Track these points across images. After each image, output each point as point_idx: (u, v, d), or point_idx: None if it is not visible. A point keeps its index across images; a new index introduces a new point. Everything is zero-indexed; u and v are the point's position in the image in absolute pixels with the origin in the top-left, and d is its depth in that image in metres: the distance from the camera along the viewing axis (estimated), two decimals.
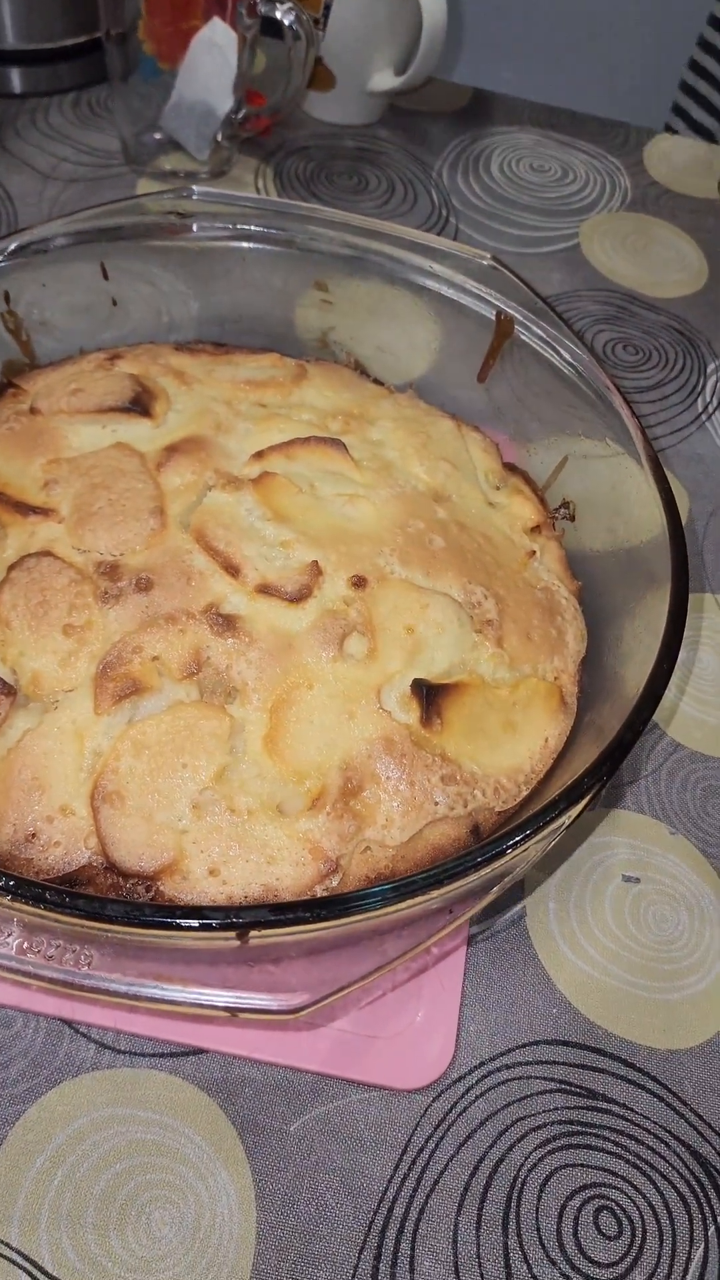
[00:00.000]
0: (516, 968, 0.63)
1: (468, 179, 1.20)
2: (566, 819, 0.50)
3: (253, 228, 0.76)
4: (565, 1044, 0.60)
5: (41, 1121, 0.54)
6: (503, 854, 0.47)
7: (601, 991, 0.62)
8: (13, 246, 0.69)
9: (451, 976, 0.60)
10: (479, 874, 0.48)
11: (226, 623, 0.57)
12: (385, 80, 1.17)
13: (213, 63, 0.99)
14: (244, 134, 1.12)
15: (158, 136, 1.08)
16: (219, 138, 1.07)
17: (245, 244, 0.77)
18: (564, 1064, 0.59)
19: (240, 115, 1.07)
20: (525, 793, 0.59)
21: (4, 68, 1.17)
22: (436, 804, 0.56)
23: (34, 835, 0.53)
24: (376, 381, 0.78)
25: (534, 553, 0.67)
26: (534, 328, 0.72)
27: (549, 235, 1.15)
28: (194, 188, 0.75)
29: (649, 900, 0.67)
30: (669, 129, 1.91)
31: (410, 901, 0.46)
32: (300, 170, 1.16)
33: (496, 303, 0.73)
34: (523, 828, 0.49)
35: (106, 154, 1.13)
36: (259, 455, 0.65)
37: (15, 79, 1.18)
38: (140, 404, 0.67)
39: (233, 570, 0.59)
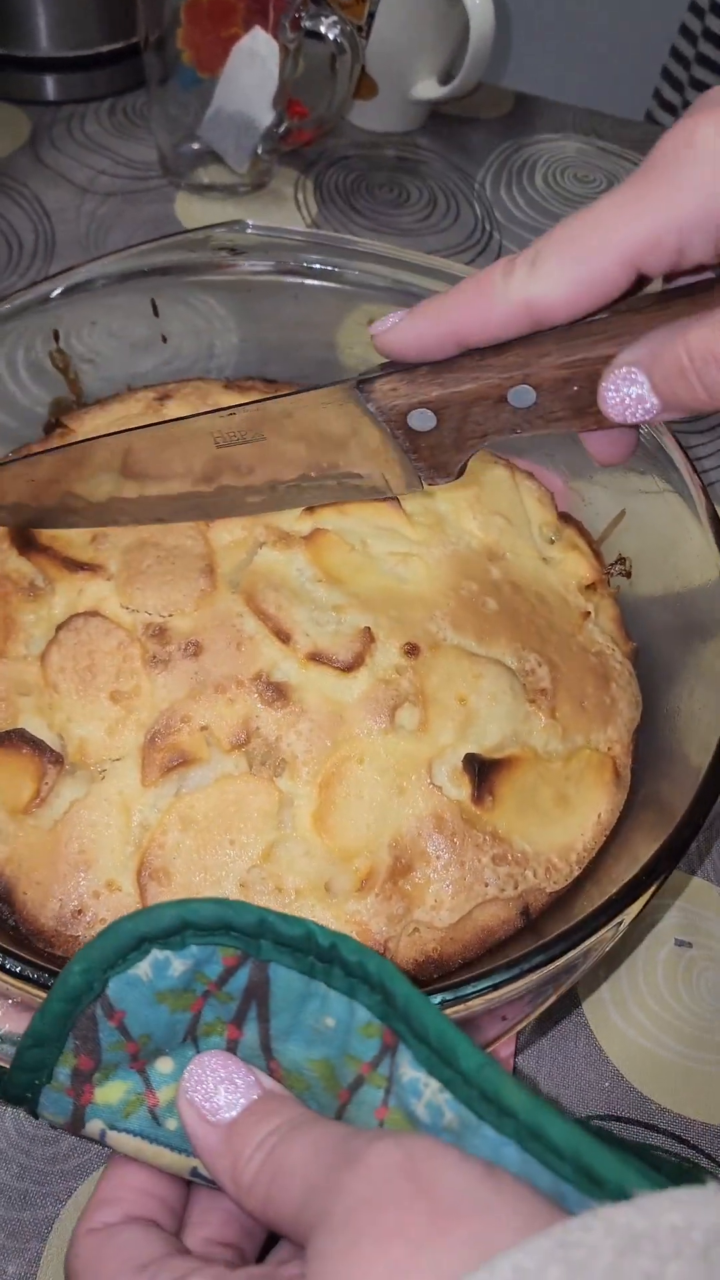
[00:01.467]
0: (567, 1037, 0.61)
1: (511, 191, 1.17)
2: (629, 915, 0.49)
3: (306, 263, 0.74)
4: (617, 1119, 0.59)
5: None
6: (562, 956, 0.46)
7: (654, 1064, 0.61)
8: (62, 288, 0.68)
9: (500, 1048, 0.59)
10: (537, 974, 0.46)
11: (277, 692, 0.56)
12: (429, 89, 1.15)
13: (254, 74, 0.97)
14: (285, 147, 1.09)
15: (196, 147, 1.06)
16: (259, 150, 1.04)
17: (298, 279, 0.75)
18: (617, 1139, 0.58)
19: (282, 129, 1.05)
20: (577, 872, 0.57)
21: (38, 75, 1.15)
22: (487, 885, 0.55)
23: (80, 912, 0.52)
24: None
25: (589, 613, 0.66)
26: None
27: None
28: (248, 221, 0.73)
29: (701, 967, 0.65)
30: None
31: (462, 1007, 0.46)
32: (340, 182, 1.14)
33: None
34: (582, 927, 0.48)
35: (144, 165, 1.11)
36: (310, 510, 0.63)
37: (50, 86, 1.16)
38: None
39: (283, 636, 0.57)
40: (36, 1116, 0.41)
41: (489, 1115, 0.35)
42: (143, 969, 0.39)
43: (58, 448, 0.57)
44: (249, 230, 0.73)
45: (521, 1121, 0.34)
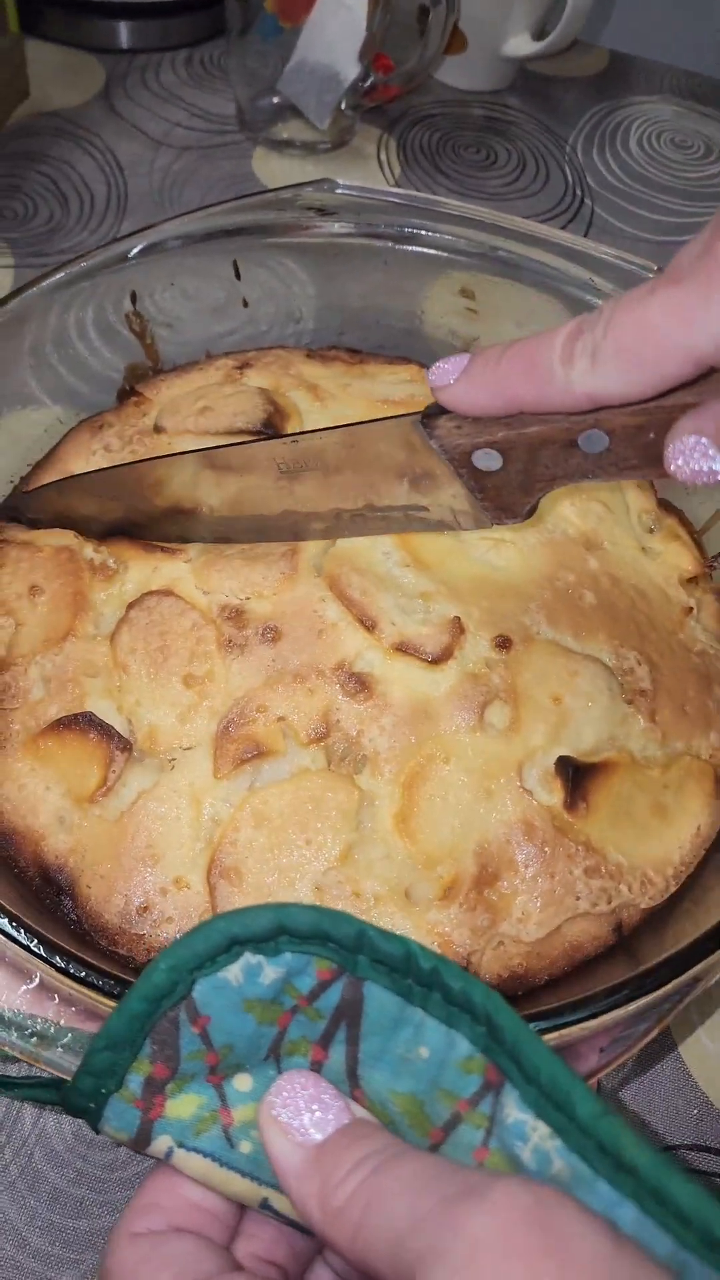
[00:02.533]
0: (652, 1059, 0.58)
1: (604, 155, 1.11)
2: None
3: (396, 227, 0.70)
4: (706, 1149, 0.55)
5: None
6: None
7: None
8: (140, 246, 0.64)
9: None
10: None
11: (359, 683, 0.53)
12: (522, 45, 1.08)
13: (340, 24, 0.91)
14: (369, 103, 1.04)
15: (275, 101, 1.01)
16: (342, 106, 0.99)
17: (387, 243, 0.71)
18: (705, 1173, 0.55)
19: (367, 83, 0.99)
20: (674, 888, 0.53)
21: (112, 21, 1.10)
22: (578, 899, 0.51)
23: (146, 909, 0.49)
24: None
25: (691, 609, 0.61)
26: None
27: (691, 221, 1.05)
28: (337, 180, 0.69)
29: None
30: None
31: (556, 1036, 0.42)
32: (425, 142, 1.09)
33: None
34: (692, 951, 0.44)
35: (221, 119, 1.07)
36: None
37: (123, 33, 1.11)
38: (272, 426, 0.62)
39: (368, 624, 0.54)
40: (97, 1130, 0.38)
41: (605, 1169, 0.31)
42: (233, 973, 0.36)
43: (123, 465, 0.56)
44: (339, 190, 0.69)
45: (643, 1180, 0.30)
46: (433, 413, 0.46)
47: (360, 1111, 0.36)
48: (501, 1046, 0.34)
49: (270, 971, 0.36)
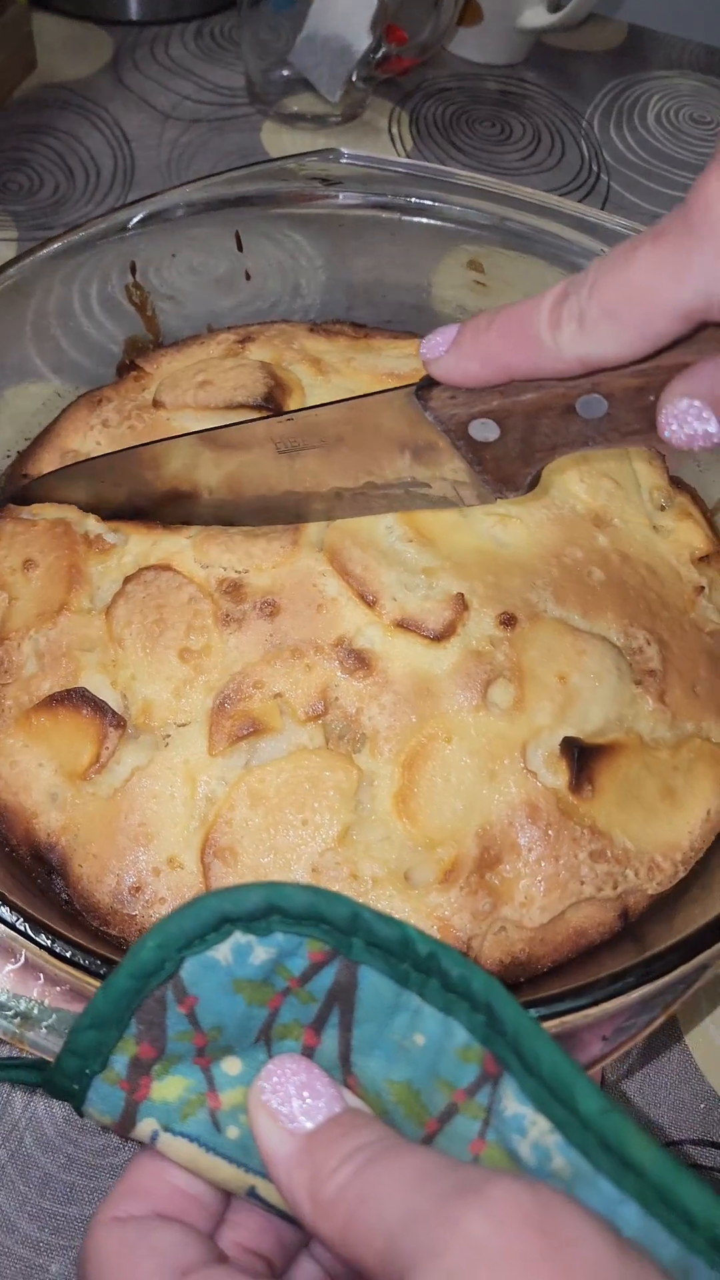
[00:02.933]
0: (659, 1052, 0.56)
1: (621, 130, 1.09)
2: None
3: (404, 198, 0.69)
4: (713, 1145, 0.54)
5: None
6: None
7: None
8: (140, 215, 0.63)
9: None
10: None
11: (359, 660, 0.51)
12: (537, 17, 1.06)
13: None
14: (381, 75, 1.02)
15: (286, 73, 0.99)
16: (354, 78, 0.97)
17: (395, 215, 0.69)
18: (711, 1168, 0.53)
19: (380, 55, 0.98)
20: (683, 873, 0.52)
21: None
22: (583, 883, 0.49)
23: (138, 889, 0.48)
24: None
25: (703, 588, 0.60)
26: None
27: None
28: (343, 150, 0.67)
29: None
30: None
31: (556, 1023, 0.40)
32: (439, 115, 1.07)
33: None
34: (699, 938, 0.42)
35: (230, 91, 1.05)
36: None
37: (133, 4, 1.09)
38: (273, 400, 0.60)
39: (369, 599, 0.52)
40: (81, 1114, 0.37)
41: (608, 1167, 0.30)
42: (222, 952, 0.35)
43: (123, 450, 0.56)
44: (344, 160, 0.67)
45: (649, 1180, 0.29)
46: (427, 385, 0.45)
47: (353, 1100, 0.35)
48: (501, 1036, 0.33)
49: (261, 952, 0.35)
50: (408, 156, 1.02)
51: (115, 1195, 0.36)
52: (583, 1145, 0.30)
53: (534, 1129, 0.32)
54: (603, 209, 0.98)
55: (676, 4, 1.23)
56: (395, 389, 0.46)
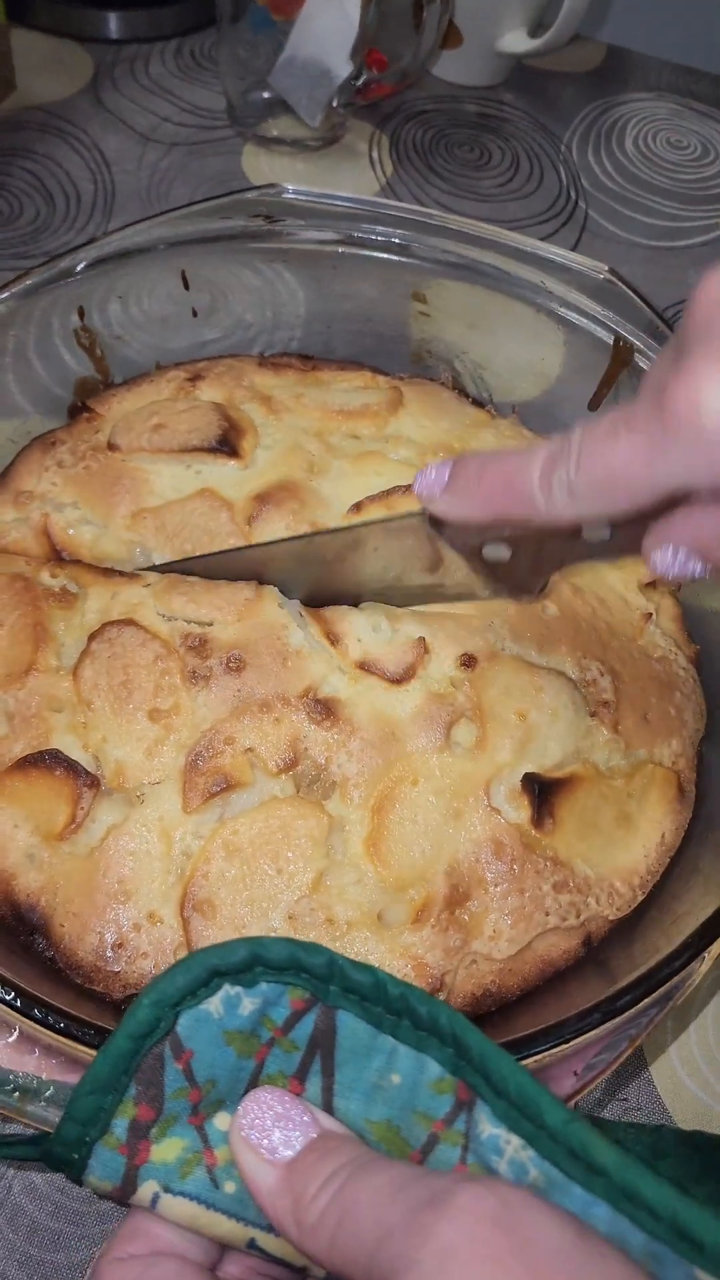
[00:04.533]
0: (626, 1088, 0.58)
1: (599, 154, 1.09)
2: (714, 952, 0.46)
3: (345, 231, 0.69)
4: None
5: None
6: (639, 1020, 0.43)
7: None
8: (85, 261, 0.63)
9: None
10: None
11: (325, 709, 0.53)
12: (517, 41, 1.06)
13: (332, 19, 0.89)
14: (362, 101, 1.02)
15: (266, 95, 0.98)
16: (333, 102, 0.96)
17: (340, 248, 0.70)
18: None
19: (360, 81, 0.97)
20: (641, 897, 0.54)
21: (101, 11, 1.08)
22: (548, 914, 0.52)
23: (120, 945, 0.49)
24: (476, 403, 0.72)
25: (650, 615, 0.62)
26: (655, 356, 0.65)
27: (685, 226, 1.04)
28: (287, 185, 0.68)
29: None
30: None
31: (532, 1061, 0.43)
32: (418, 139, 1.06)
33: (616, 328, 0.66)
34: (661, 969, 0.45)
35: (210, 113, 1.04)
36: (356, 507, 0.59)
37: (113, 23, 1.09)
38: (228, 443, 0.61)
39: (333, 638, 0.54)
40: (80, 1181, 0.38)
41: (577, 1173, 0.32)
42: (214, 1005, 0.37)
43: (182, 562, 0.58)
44: (286, 195, 0.68)
45: (613, 1180, 0.32)
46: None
47: (330, 1123, 0.37)
48: (470, 1064, 0.35)
49: (248, 1003, 0.37)
50: (387, 182, 1.01)
51: (119, 1237, 0.38)
52: (553, 1156, 0.33)
53: (509, 1147, 0.34)
54: (579, 238, 1.00)
55: (655, 25, 1.23)
56: (410, 515, 0.49)
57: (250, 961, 0.37)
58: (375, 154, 1.04)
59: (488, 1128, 0.35)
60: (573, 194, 1.05)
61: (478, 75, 1.13)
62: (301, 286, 0.72)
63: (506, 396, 0.73)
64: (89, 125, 1.01)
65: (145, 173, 0.98)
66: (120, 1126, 0.37)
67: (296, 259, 0.70)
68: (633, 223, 1.04)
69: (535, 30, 1.05)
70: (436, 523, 0.48)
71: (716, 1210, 0.30)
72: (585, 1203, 0.32)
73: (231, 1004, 0.37)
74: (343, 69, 0.91)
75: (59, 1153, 0.37)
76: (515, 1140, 0.34)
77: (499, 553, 0.47)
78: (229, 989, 0.37)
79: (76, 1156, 0.37)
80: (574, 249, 0.69)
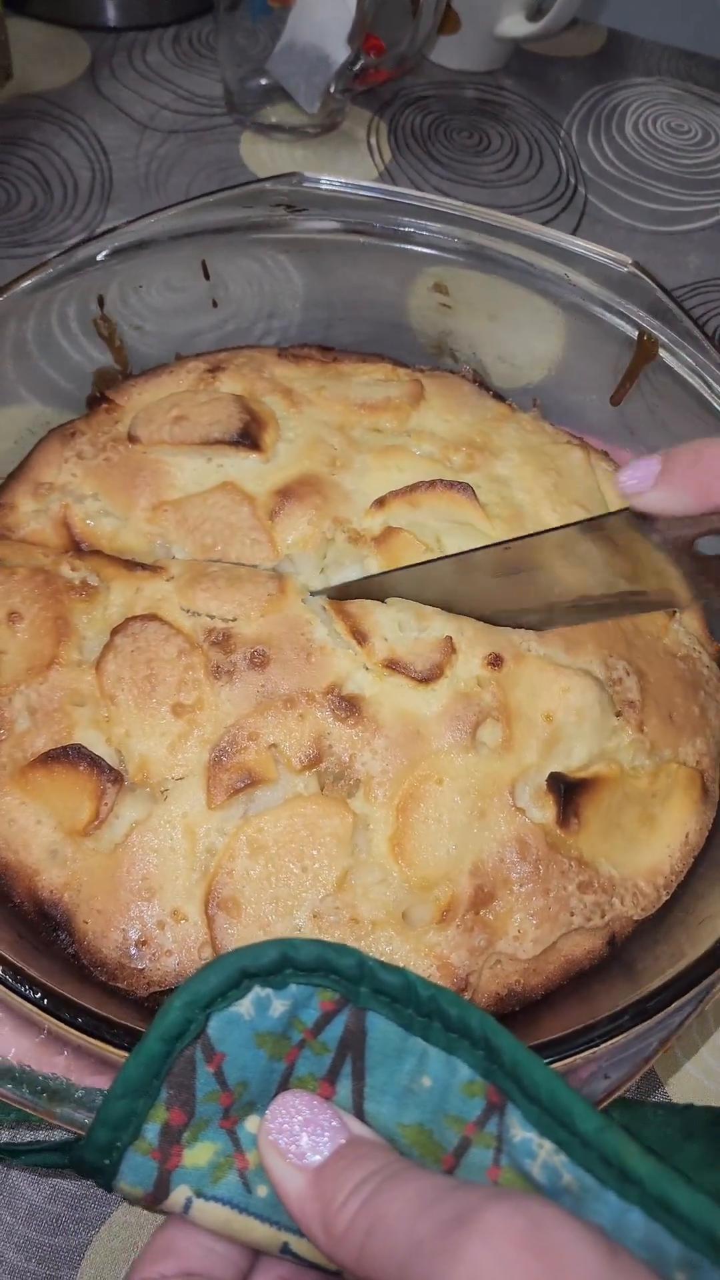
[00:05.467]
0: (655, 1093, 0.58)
1: (599, 140, 1.08)
2: None
3: (368, 222, 0.69)
4: None
5: (128, 1226, 0.51)
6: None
7: None
8: (106, 250, 0.62)
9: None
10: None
11: (350, 707, 0.52)
12: (516, 26, 1.05)
13: (330, 5, 0.88)
14: (360, 87, 1.01)
15: (264, 82, 0.98)
16: (331, 89, 0.96)
17: (361, 238, 0.69)
18: None
19: (357, 66, 0.96)
20: (665, 898, 0.54)
21: None
22: (572, 914, 0.52)
23: (144, 943, 0.49)
24: (497, 396, 0.71)
25: (674, 613, 0.62)
26: (680, 352, 0.65)
27: (687, 210, 1.03)
28: (307, 174, 0.67)
29: None
30: None
31: (560, 1064, 0.43)
32: (417, 125, 1.06)
33: (640, 321, 0.65)
34: (691, 973, 0.45)
35: (208, 100, 1.03)
36: (380, 503, 0.59)
37: (110, 11, 1.08)
38: (249, 436, 0.61)
39: (360, 637, 0.53)
40: (111, 1188, 0.38)
41: (611, 1181, 0.32)
42: (244, 1006, 0.36)
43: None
44: (306, 184, 0.67)
45: (648, 1190, 0.31)
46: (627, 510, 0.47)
47: (360, 1129, 0.37)
48: (501, 1068, 0.35)
49: (278, 1004, 0.37)
50: (385, 168, 1.01)
51: (146, 1256, 0.37)
52: (586, 1162, 0.33)
53: (541, 1151, 0.34)
54: (579, 222, 0.99)
55: (655, 9, 1.22)
56: (614, 513, 0.48)
57: (280, 963, 0.36)
58: (374, 140, 1.03)
59: (520, 1132, 0.35)
60: (572, 179, 1.04)
61: (476, 60, 1.12)
62: (318, 277, 0.71)
63: (517, 384, 0.72)
64: (87, 113, 1.00)
65: (143, 161, 0.97)
66: (152, 1131, 0.37)
67: (318, 250, 0.70)
68: (633, 208, 1.03)
69: (534, 14, 1.04)
70: (642, 521, 0.46)
71: None
72: (620, 1210, 0.32)
73: (262, 1006, 0.37)
74: (340, 54, 0.91)
75: (90, 1159, 0.37)
76: (548, 1145, 0.34)
77: (716, 545, 0.45)
78: (259, 990, 0.37)
79: (107, 1162, 0.37)
80: (573, 234, 0.69)
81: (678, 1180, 0.31)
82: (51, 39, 1.06)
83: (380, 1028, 0.37)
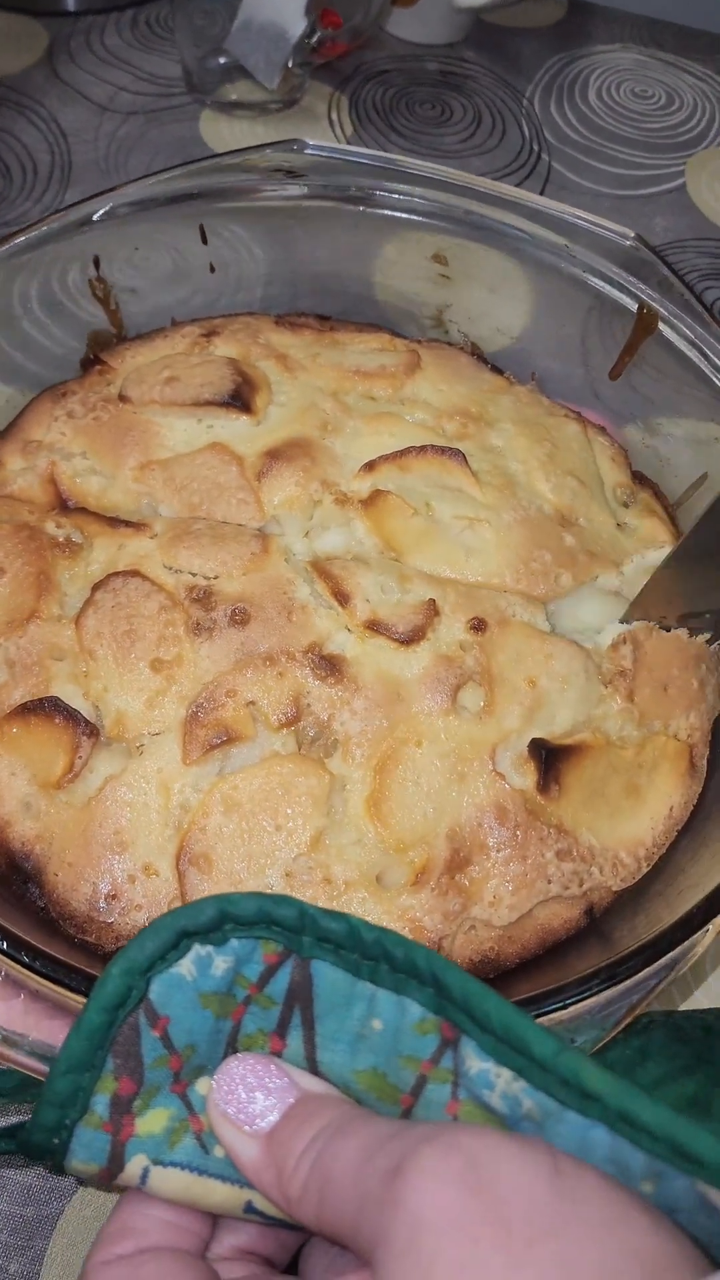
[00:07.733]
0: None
1: (562, 107, 1.08)
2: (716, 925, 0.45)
3: (367, 190, 0.68)
4: None
5: (100, 1194, 0.51)
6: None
7: None
8: (103, 210, 0.62)
9: None
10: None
11: (330, 666, 0.52)
12: None
13: None
14: (318, 61, 1.02)
15: (223, 61, 0.98)
16: (290, 64, 0.96)
17: (358, 207, 0.69)
18: None
19: (314, 39, 0.97)
20: (646, 869, 0.53)
21: None
22: (549, 882, 0.51)
23: (114, 896, 0.49)
24: (495, 369, 0.71)
25: None
26: (679, 324, 0.64)
27: (651, 174, 1.03)
28: (307, 140, 0.67)
29: None
30: None
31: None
32: (378, 99, 1.05)
33: (640, 294, 0.64)
34: (663, 939, 0.44)
35: (168, 81, 1.04)
36: (369, 466, 0.58)
37: None
38: (240, 398, 0.60)
39: (342, 598, 0.53)
40: (63, 1170, 0.36)
41: (571, 1100, 0.32)
42: (185, 967, 0.36)
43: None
44: (308, 151, 0.67)
45: (609, 1105, 0.31)
46: None
47: (309, 1083, 0.36)
48: (452, 1003, 0.35)
49: (220, 962, 0.36)
50: (347, 141, 1.00)
51: (104, 1239, 0.36)
52: (545, 1086, 0.32)
53: (500, 1080, 0.34)
54: (543, 189, 0.99)
55: None
56: None
57: (219, 919, 0.36)
58: (335, 115, 1.03)
59: (476, 1063, 0.34)
60: (535, 147, 1.04)
61: (436, 33, 1.12)
62: (310, 243, 0.70)
63: (514, 357, 0.72)
64: (45, 98, 1.00)
65: (103, 143, 0.97)
66: (101, 1104, 0.36)
67: (313, 217, 0.69)
68: (598, 173, 1.02)
69: None
70: None
71: (711, 1101, 0.30)
72: (582, 1128, 0.32)
73: (204, 964, 0.36)
74: (297, 27, 0.91)
75: (38, 1140, 0.36)
76: (505, 1073, 0.34)
77: None
78: (199, 949, 0.36)
79: (56, 1141, 0.36)
80: None
81: (638, 1094, 0.31)
82: (9, 25, 1.06)
83: (327, 975, 0.36)
